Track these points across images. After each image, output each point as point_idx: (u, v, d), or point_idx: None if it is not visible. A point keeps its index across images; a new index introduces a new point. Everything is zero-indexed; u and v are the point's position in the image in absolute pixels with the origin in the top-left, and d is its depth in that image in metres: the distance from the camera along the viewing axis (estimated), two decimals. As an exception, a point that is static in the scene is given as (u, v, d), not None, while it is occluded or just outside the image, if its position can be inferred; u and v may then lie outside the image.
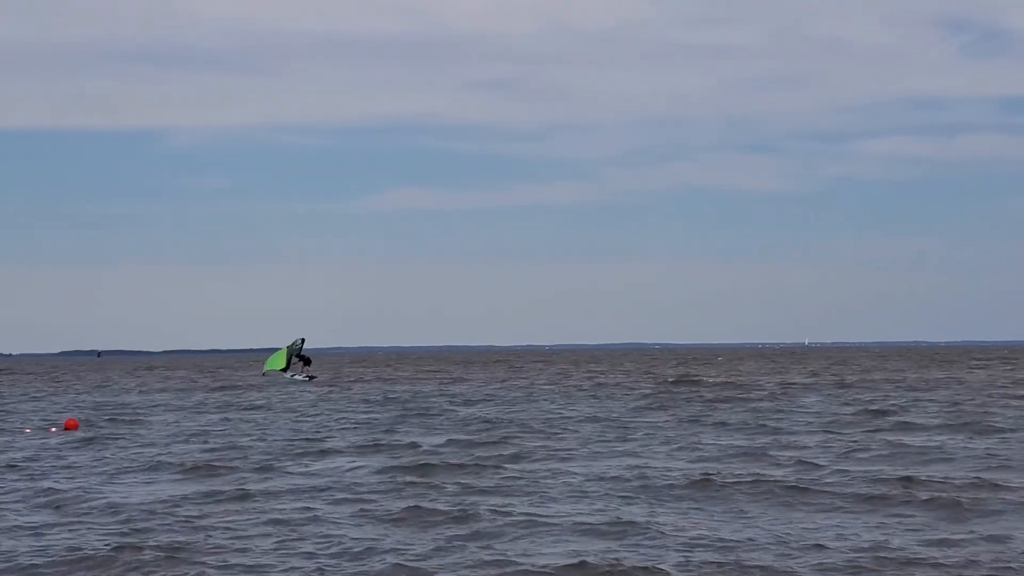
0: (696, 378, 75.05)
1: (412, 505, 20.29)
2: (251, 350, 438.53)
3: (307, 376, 77.68)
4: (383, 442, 31.78)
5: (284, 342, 78.92)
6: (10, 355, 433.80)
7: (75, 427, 39.30)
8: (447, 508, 19.86)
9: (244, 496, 21.89)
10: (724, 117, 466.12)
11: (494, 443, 31.10)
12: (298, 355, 78.49)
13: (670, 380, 72.10)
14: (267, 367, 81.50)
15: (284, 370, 78.71)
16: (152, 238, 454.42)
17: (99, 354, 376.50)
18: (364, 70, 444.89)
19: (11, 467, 27.32)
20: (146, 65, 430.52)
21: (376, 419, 41.30)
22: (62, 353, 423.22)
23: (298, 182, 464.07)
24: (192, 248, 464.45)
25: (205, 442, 33.13)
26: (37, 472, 26.39)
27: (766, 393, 54.96)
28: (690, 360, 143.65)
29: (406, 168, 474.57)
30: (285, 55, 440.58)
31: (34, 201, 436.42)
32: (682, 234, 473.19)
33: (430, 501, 20.84)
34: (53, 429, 39.30)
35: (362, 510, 20.05)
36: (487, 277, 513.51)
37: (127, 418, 44.35)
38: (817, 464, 25.41)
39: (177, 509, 20.61)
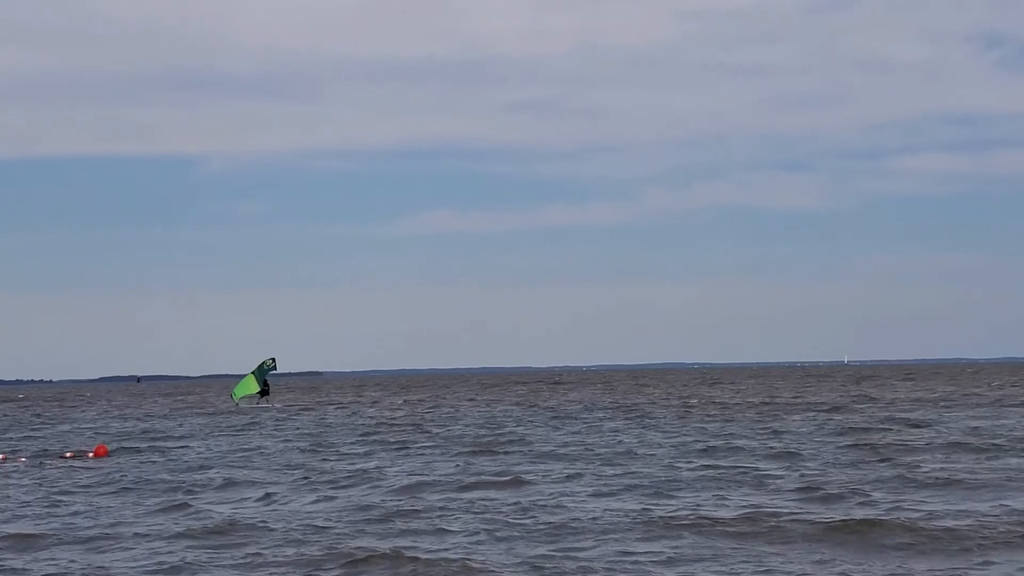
0: (713, 399, 73.86)
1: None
2: (289, 374, 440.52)
3: (270, 404, 74.66)
4: (368, 472, 30.78)
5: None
6: (51, 381, 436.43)
7: (105, 453, 39.30)
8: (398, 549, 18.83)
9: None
10: (760, 135, 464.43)
11: (480, 473, 29.99)
12: (265, 381, 74.70)
13: (678, 401, 70.92)
14: (238, 395, 76.33)
15: (261, 394, 75.07)
16: (189, 263, 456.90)
17: (138, 380, 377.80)
18: (399, 94, 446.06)
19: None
20: (182, 92, 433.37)
21: (368, 444, 40.36)
22: (102, 379, 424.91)
23: (333, 206, 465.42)
24: (229, 273, 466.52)
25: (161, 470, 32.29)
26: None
27: (763, 414, 53.73)
28: (718, 380, 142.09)
29: (441, 191, 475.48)
30: (320, 80, 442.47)
31: (72, 227, 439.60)
32: (719, 253, 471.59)
33: (389, 540, 19.83)
34: (90, 455, 39.07)
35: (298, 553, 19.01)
36: (523, 298, 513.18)
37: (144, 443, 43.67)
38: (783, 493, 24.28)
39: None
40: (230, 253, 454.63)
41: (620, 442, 38.65)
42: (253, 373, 74.70)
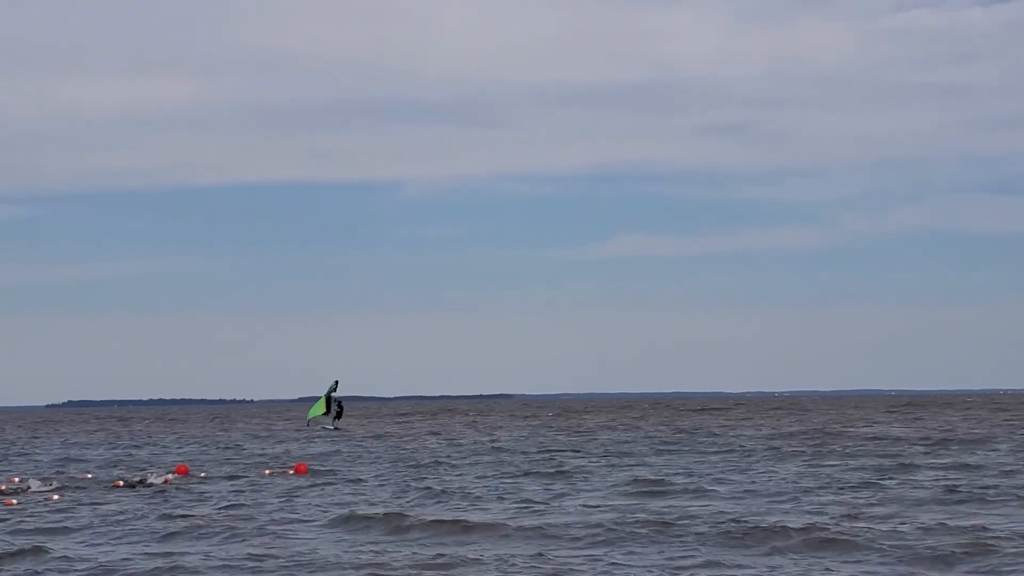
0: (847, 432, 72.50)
1: None
2: (481, 396, 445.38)
3: (334, 426, 78.80)
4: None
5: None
6: (252, 401, 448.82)
7: (305, 471, 40.72)
8: None
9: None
10: (963, 157, 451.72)
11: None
12: (338, 403, 79.18)
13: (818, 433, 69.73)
14: (311, 415, 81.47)
15: (326, 414, 79.69)
16: (383, 286, 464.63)
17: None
18: (588, 118, 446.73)
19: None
20: (376, 119, 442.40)
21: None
22: (301, 399, 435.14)
23: (524, 230, 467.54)
24: (421, 296, 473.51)
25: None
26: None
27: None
28: (908, 406, 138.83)
29: (631, 215, 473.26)
30: (509, 105, 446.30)
31: (270, 251, 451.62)
32: (918, 277, 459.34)
33: None
34: (290, 472, 40.82)
35: None
36: (714, 322, 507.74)
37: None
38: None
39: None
40: (422, 276, 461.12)
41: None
42: (324, 396, 78.69)
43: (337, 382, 78.11)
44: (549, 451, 51.04)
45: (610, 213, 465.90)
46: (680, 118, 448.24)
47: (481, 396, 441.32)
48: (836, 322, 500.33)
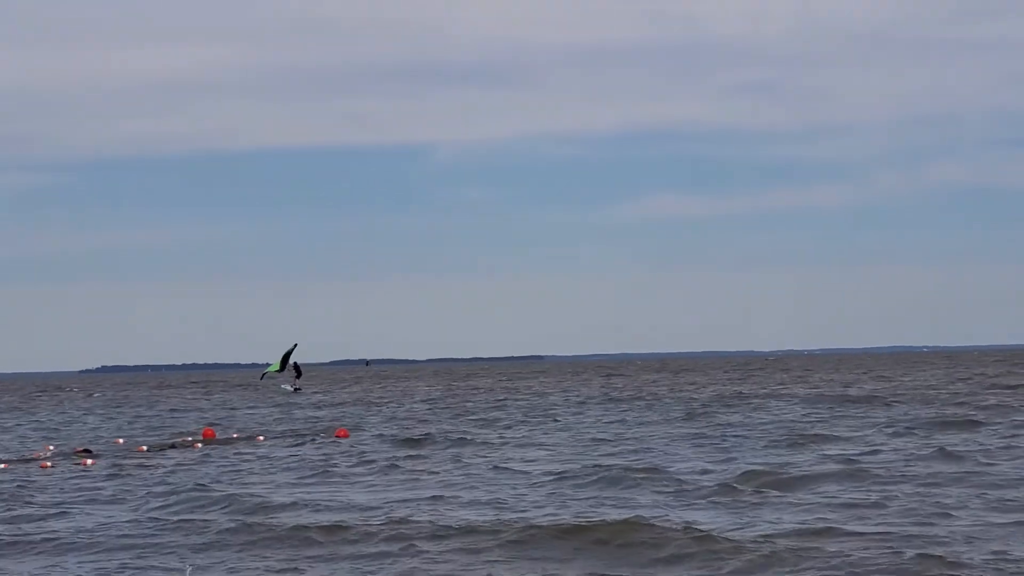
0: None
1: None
2: (513, 358, 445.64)
3: (295, 388, 79.56)
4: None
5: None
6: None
7: (345, 436, 40.42)
8: None
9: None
10: (995, 113, 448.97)
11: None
12: (295, 365, 79.84)
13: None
14: (265, 372, 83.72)
15: (280, 372, 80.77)
16: (416, 250, 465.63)
17: (367, 363, 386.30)
18: (619, 78, 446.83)
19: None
20: (412, 83, 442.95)
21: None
22: (333, 363, 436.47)
23: (557, 191, 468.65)
24: (454, 259, 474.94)
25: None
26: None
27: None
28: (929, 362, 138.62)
29: (664, 175, 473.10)
30: (541, 67, 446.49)
31: (303, 215, 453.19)
32: (951, 234, 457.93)
33: None
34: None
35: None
36: (747, 282, 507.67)
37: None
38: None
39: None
40: (456, 239, 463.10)
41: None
42: (282, 356, 79.71)
43: (296, 345, 79.89)
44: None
45: (642, 174, 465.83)
46: (711, 77, 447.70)
47: (513, 358, 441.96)
48: (869, 279, 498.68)
